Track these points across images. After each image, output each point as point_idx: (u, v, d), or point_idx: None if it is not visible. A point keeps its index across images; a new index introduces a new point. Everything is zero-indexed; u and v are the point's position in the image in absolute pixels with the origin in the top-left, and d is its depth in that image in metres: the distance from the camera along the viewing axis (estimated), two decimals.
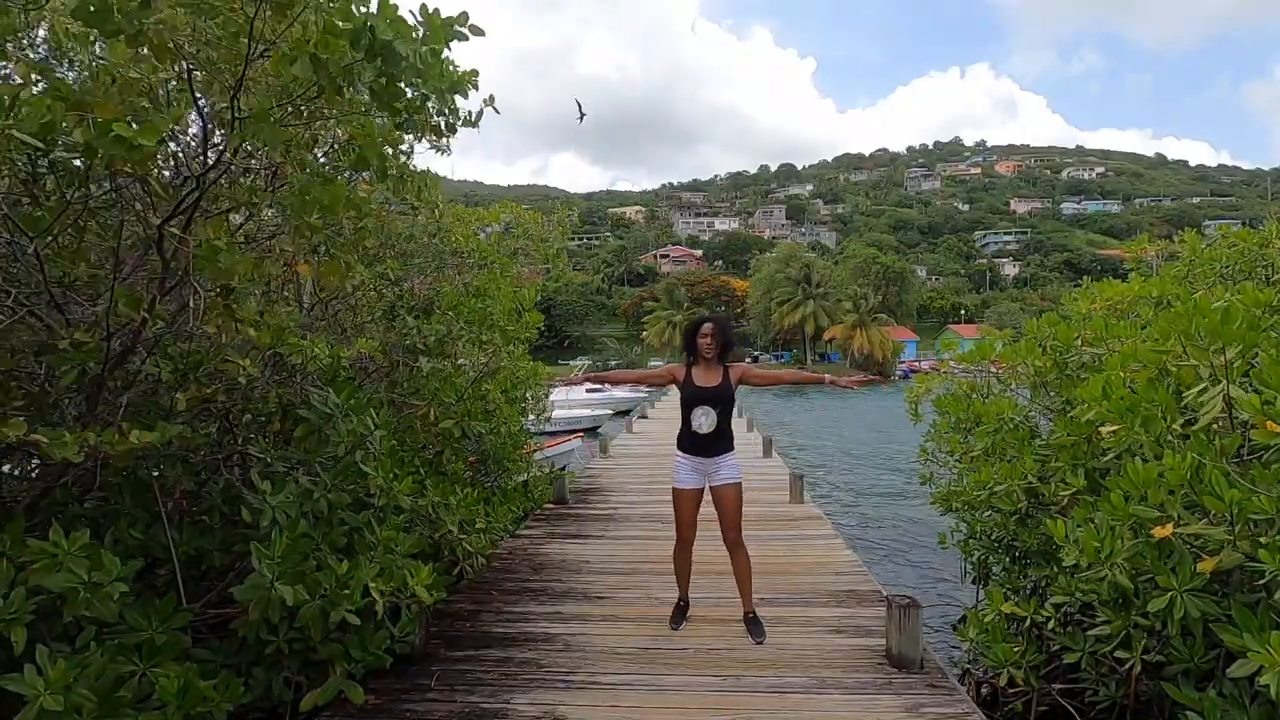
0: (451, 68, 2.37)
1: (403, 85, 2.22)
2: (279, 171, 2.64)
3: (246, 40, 1.96)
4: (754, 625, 3.54)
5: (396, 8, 2.06)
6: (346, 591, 2.56)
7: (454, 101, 2.51)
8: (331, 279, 2.74)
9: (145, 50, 1.87)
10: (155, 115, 1.82)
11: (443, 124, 2.60)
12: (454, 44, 2.27)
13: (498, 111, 2.87)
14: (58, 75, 2.25)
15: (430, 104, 2.41)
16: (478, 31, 2.27)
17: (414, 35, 2.10)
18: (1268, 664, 1.80)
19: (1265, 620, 1.95)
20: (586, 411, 20.13)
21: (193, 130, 2.70)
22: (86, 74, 2.22)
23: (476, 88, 2.49)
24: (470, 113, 2.74)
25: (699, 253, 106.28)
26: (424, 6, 2.17)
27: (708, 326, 3.55)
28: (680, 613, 3.71)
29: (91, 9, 1.71)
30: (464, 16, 2.22)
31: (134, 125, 1.72)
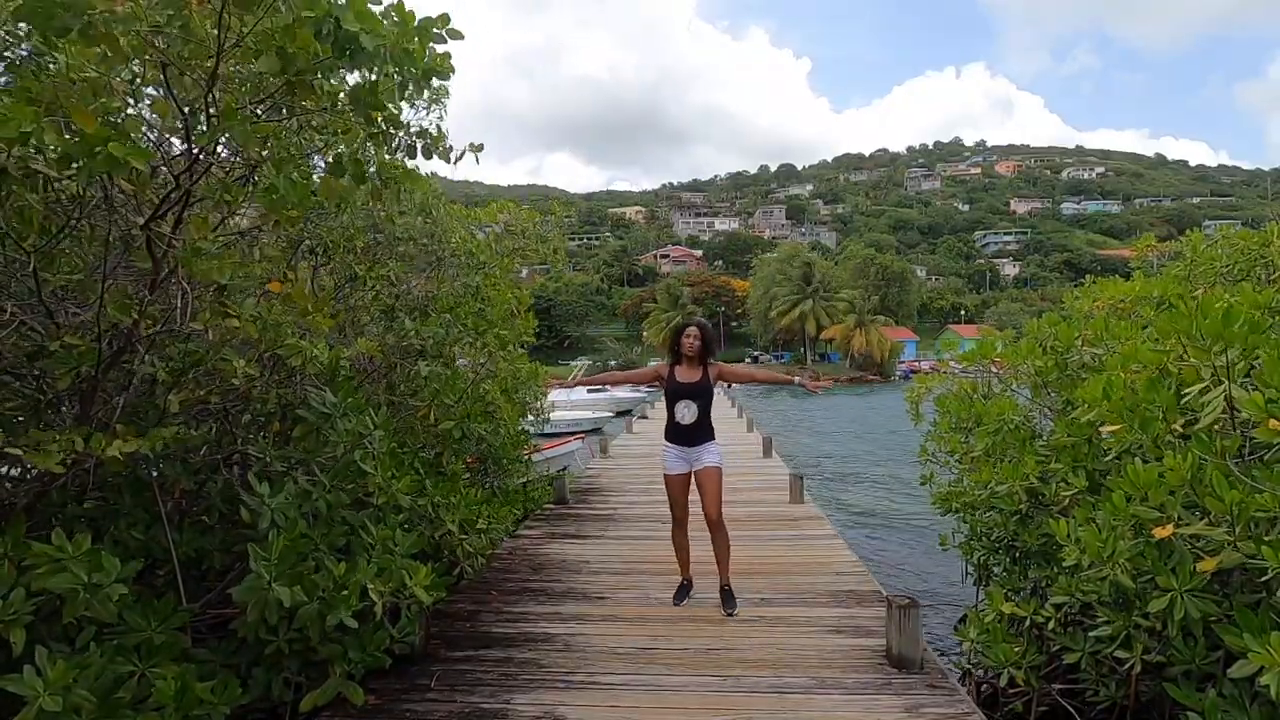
0: (425, 54, 2.27)
1: (379, 86, 2.16)
2: (257, 167, 2.59)
3: (216, 34, 1.91)
4: (728, 597, 3.87)
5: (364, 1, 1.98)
6: (344, 594, 2.56)
7: (444, 129, 2.48)
8: (300, 302, 2.62)
9: (104, 48, 1.80)
10: (132, 122, 1.77)
11: (419, 147, 2.57)
12: (433, 45, 2.21)
13: (478, 160, 2.91)
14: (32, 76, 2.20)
15: (409, 108, 2.37)
16: (456, 35, 2.19)
17: (383, 30, 2.02)
18: (1268, 664, 1.80)
19: (1266, 620, 1.95)
20: (587, 412, 20.14)
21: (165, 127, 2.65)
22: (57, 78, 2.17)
23: (450, 75, 2.32)
24: (451, 146, 2.74)
25: (699, 253, 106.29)
26: (399, 4, 2.09)
27: (691, 329, 3.92)
28: (683, 591, 3.99)
29: (36, 8, 1.64)
30: (444, 18, 2.15)
31: (121, 142, 1.68)
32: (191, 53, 1.99)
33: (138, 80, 2.31)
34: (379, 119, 2.30)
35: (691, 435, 3.85)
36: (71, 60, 1.98)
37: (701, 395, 3.85)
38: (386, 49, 2.05)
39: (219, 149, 2.28)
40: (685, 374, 3.88)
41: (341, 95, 2.22)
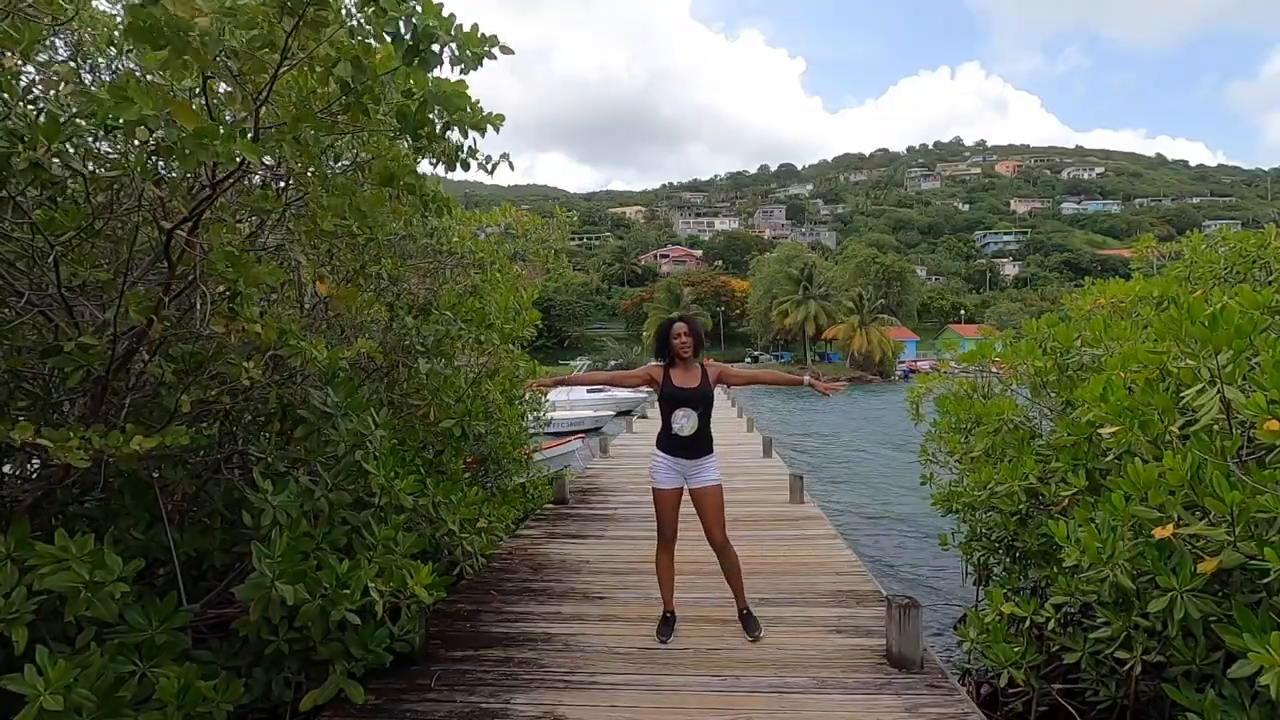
0: (477, 105, 2.43)
1: (429, 113, 2.25)
2: (294, 179, 2.65)
3: (276, 53, 1.98)
4: (749, 621, 3.54)
5: (441, 6, 2.09)
6: (347, 591, 2.56)
7: (475, 142, 2.58)
8: (344, 304, 2.74)
9: (186, 59, 1.90)
10: (225, 127, 1.84)
11: (464, 148, 2.64)
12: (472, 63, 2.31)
13: (512, 167, 2.95)
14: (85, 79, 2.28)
15: (451, 133, 2.45)
16: (507, 51, 2.32)
17: (450, 32, 2.14)
18: (1268, 664, 1.80)
19: (1265, 621, 1.95)
20: (588, 412, 20.14)
21: None
22: (111, 77, 2.24)
23: (498, 130, 2.51)
24: (489, 156, 2.81)
25: (699, 253, 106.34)
26: (460, 25, 2.22)
27: (679, 326, 3.49)
28: (667, 625, 3.55)
29: (144, 26, 1.78)
30: (494, 39, 2.26)
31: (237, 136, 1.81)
32: (248, 68, 2.02)
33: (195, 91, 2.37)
34: (423, 134, 2.36)
35: (690, 448, 3.42)
36: (162, 74, 2.07)
37: (702, 402, 3.41)
38: (454, 51, 2.16)
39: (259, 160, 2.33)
40: (682, 378, 3.44)
41: (386, 109, 2.29)
